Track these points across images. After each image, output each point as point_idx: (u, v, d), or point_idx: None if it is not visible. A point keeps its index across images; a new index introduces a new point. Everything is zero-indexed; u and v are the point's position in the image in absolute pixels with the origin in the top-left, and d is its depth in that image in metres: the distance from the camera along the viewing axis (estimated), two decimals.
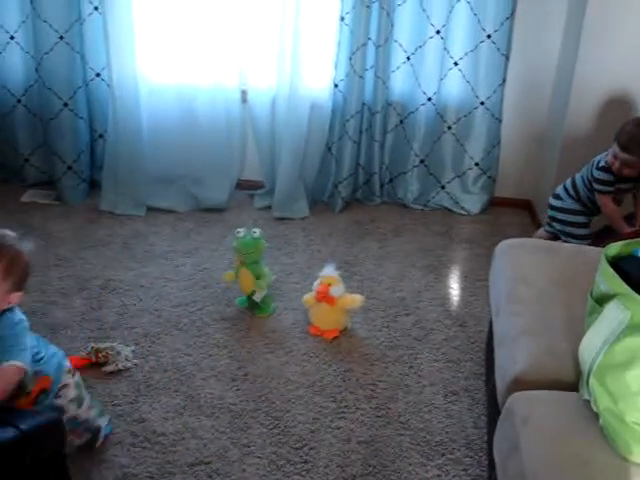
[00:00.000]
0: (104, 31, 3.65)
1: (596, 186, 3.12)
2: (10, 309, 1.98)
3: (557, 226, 3.30)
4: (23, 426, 1.73)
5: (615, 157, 3.03)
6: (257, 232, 2.96)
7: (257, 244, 2.97)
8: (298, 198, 3.91)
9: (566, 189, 3.25)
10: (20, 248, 1.97)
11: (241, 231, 2.98)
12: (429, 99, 3.83)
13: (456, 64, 3.76)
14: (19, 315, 2.00)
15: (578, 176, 3.23)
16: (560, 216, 3.27)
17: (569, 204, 3.24)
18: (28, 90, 3.93)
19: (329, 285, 2.88)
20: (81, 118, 3.87)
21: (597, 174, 3.11)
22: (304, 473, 2.29)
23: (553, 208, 3.30)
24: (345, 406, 2.56)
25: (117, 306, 3.08)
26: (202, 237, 3.65)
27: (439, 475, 2.30)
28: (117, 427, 2.43)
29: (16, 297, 1.96)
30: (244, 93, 3.89)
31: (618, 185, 3.12)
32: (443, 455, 2.37)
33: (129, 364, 2.71)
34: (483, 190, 4.02)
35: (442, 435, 2.45)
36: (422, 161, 3.97)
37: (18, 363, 1.93)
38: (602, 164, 3.09)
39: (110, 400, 2.55)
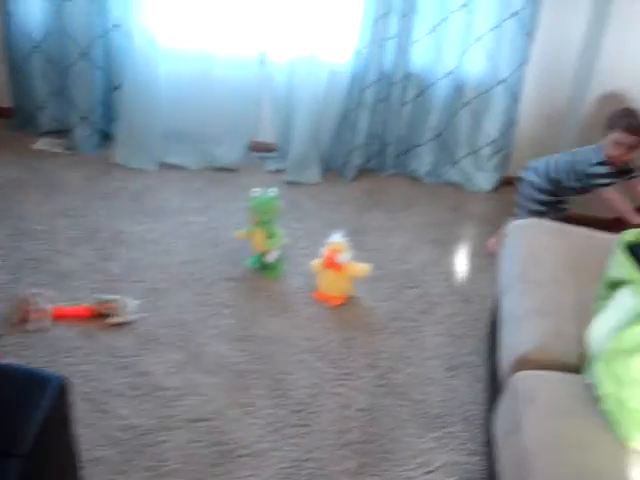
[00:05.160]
0: None
1: (597, 181, 3.10)
2: None
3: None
4: None
5: (618, 144, 3.03)
6: (273, 192, 2.97)
7: (273, 203, 2.99)
8: (311, 164, 3.88)
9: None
10: None
11: (257, 191, 2.98)
12: (449, 73, 3.79)
13: (479, 40, 3.70)
14: None
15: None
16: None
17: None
18: (46, 36, 3.88)
19: (336, 252, 2.89)
20: (98, 68, 3.83)
21: (596, 170, 3.09)
22: (302, 436, 2.32)
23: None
24: (346, 373, 2.58)
25: (125, 259, 3.08)
26: (213, 196, 3.63)
27: (435, 447, 2.33)
28: (119, 379, 2.46)
29: None
30: (263, 55, 3.85)
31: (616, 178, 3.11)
32: (440, 428, 2.40)
33: (134, 317, 2.72)
34: (496, 168, 3.98)
35: (440, 408, 2.48)
36: (437, 135, 3.94)
37: None
38: (598, 160, 3.08)
39: (114, 352, 2.57)
